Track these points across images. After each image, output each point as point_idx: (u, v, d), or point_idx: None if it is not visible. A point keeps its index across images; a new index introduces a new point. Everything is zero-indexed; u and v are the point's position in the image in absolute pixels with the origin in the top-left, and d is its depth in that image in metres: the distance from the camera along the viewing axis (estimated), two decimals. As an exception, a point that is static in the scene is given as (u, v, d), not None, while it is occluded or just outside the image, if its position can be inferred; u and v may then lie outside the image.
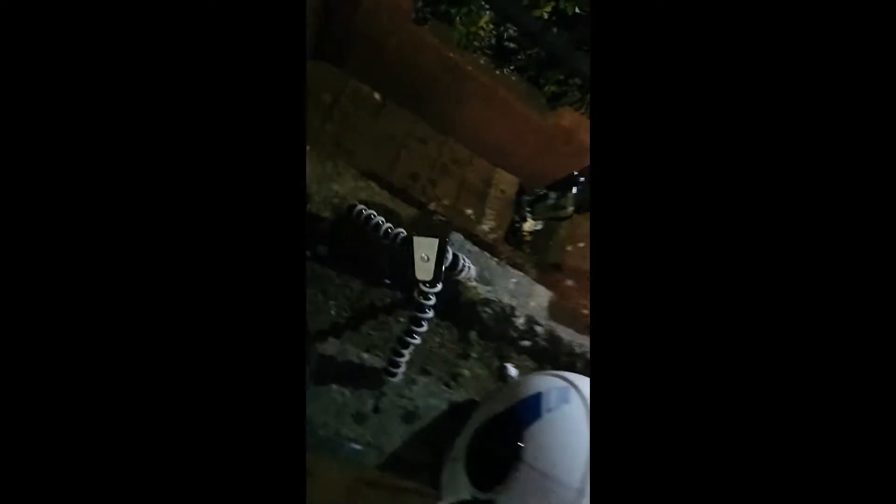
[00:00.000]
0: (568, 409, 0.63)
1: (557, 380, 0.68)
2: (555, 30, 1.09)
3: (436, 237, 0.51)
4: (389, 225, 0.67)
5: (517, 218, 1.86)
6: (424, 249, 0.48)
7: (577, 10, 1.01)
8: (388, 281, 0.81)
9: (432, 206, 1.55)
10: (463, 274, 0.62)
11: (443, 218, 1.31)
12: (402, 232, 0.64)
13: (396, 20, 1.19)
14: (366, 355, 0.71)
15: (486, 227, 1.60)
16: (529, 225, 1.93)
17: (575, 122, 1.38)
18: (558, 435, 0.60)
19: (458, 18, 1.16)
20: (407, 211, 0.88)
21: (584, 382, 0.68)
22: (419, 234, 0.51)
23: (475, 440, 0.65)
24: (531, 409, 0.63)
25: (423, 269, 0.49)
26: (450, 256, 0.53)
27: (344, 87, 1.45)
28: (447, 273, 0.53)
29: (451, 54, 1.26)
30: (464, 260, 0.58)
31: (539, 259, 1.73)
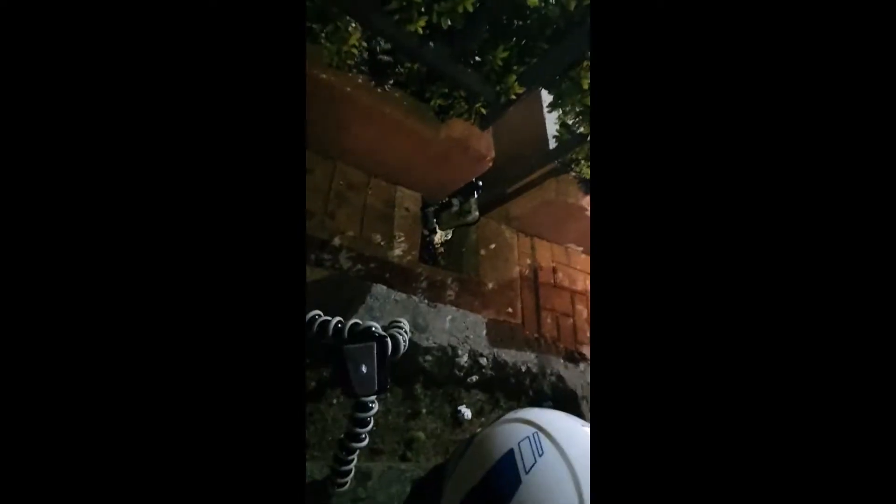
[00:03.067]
0: (545, 463, 0.58)
1: (523, 426, 0.64)
2: (431, 44, 1.04)
3: (370, 340, 0.41)
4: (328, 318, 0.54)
5: (426, 232, 1.81)
6: (359, 359, 0.38)
7: (450, 23, 0.98)
8: (307, 360, 0.66)
9: (337, 242, 1.40)
10: (402, 350, 0.53)
11: (356, 256, 1.18)
12: (319, 315, 0.52)
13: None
14: (319, 466, 0.58)
15: (398, 252, 1.51)
16: (439, 236, 1.90)
17: (466, 132, 1.38)
18: (544, 495, 0.55)
19: (323, 36, 1.03)
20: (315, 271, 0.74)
21: (547, 418, 0.65)
22: (349, 342, 0.41)
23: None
24: (508, 474, 0.58)
25: (363, 382, 0.39)
26: (394, 346, 0.43)
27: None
28: (385, 370, 0.43)
29: (324, 75, 1.13)
30: (401, 335, 0.50)
31: (457, 272, 1.71)
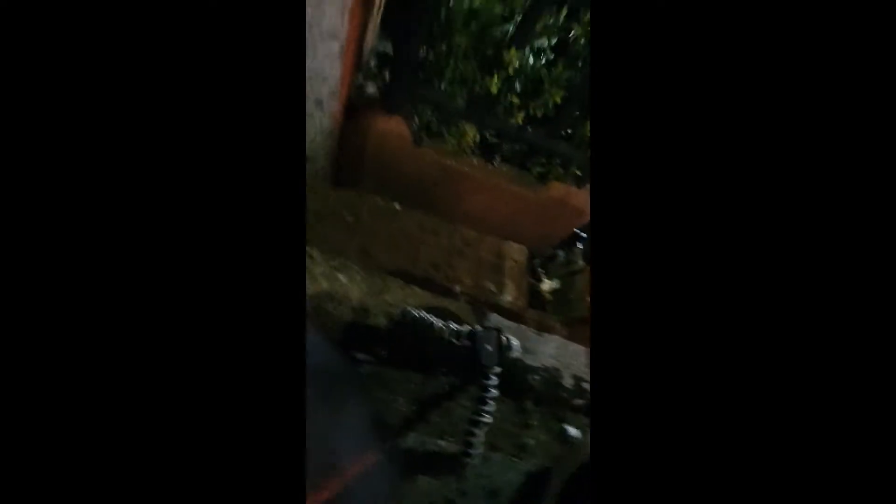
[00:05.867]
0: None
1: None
2: (529, 128, 1.33)
3: (494, 329, 0.64)
4: (442, 322, 0.80)
5: (534, 281, 1.98)
6: (486, 341, 0.61)
7: (543, 112, 1.26)
8: (444, 370, 0.92)
9: (458, 289, 1.69)
10: (513, 351, 0.73)
11: (472, 301, 1.44)
12: (455, 326, 0.76)
13: (399, 144, 1.45)
14: (442, 442, 0.80)
15: (509, 297, 1.72)
16: (547, 285, 2.05)
17: (564, 192, 1.59)
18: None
19: (448, 135, 1.41)
20: (448, 303, 1.02)
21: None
22: (478, 330, 0.64)
23: (560, 501, 0.70)
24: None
25: (488, 356, 0.60)
26: (505, 341, 0.65)
27: (363, 205, 1.69)
28: (503, 353, 0.65)
29: (448, 161, 1.50)
30: (511, 339, 0.70)
31: (565, 316, 1.81)
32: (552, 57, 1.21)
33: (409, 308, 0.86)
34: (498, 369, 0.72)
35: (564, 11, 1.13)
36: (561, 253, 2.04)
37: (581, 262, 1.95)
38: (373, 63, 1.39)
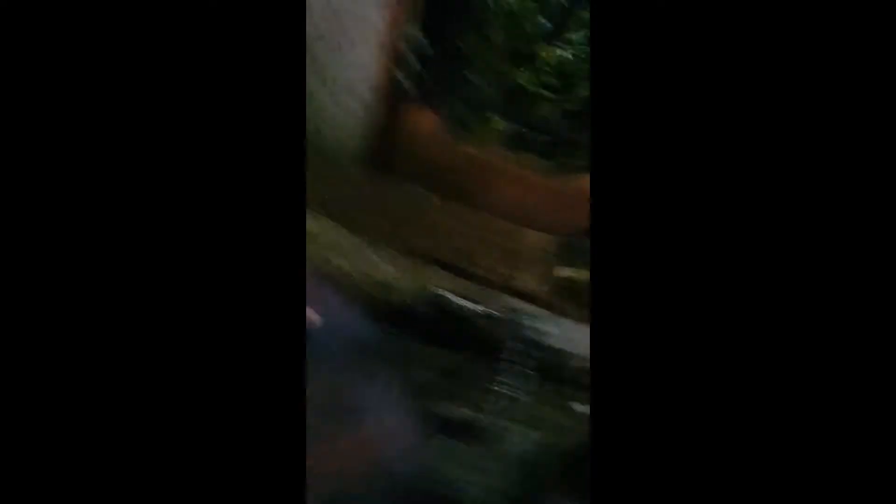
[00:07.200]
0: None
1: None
2: (557, 121, 1.38)
3: (520, 314, 0.74)
4: (469, 305, 0.89)
5: (552, 267, 2.05)
6: (511, 324, 0.71)
7: (573, 106, 1.30)
8: (465, 346, 1.02)
9: (480, 272, 1.78)
10: (531, 333, 0.83)
11: (494, 283, 1.54)
12: (481, 308, 0.86)
13: (431, 133, 1.53)
14: (462, 410, 0.90)
15: (528, 281, 1.80)
16: (564, 272, 2.10)
17: (583, 183, 1.63)
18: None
19: (478, 125, 1.47)
20: (471, 286, 1.11)
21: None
22: (504, 313, 0.74)
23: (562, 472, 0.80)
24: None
25: (511, 337, 0.70)
26: (528, 324, 0.75)
27: (394, 190, 1.78)
28: (524, 336, 0.74)
29: (477, 151, 1.56)
30: (531, 322, 0.80)
31: (578, 301, 1.88)
32: (584, 53, 1.24)
33: (436, 288, 0.95)
34: (518, 348, 0.82)
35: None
36: (576, 241, 2.08)
37: (599, 252, 2.00)
38: (408, 53, 1.45)
